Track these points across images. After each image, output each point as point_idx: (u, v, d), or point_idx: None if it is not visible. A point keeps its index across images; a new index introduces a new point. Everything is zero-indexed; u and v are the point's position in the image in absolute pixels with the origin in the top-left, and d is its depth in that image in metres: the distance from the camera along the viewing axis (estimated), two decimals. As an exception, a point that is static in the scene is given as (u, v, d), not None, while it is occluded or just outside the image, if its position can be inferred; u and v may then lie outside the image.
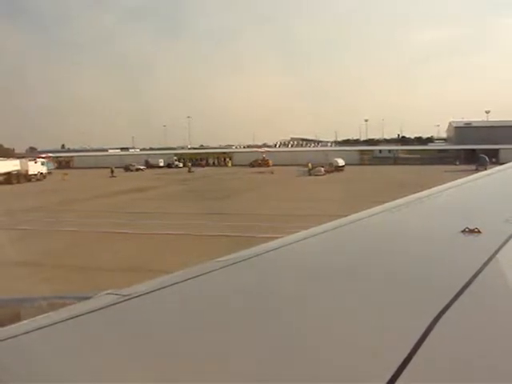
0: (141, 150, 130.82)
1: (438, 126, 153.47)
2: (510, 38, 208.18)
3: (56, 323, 1.70)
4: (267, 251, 2.66)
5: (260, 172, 71.92)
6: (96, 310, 1.82)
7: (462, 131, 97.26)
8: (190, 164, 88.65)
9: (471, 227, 2.76)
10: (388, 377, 1.24)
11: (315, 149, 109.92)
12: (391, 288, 2.04)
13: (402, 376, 1.25)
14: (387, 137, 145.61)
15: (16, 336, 1.61)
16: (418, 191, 4.51)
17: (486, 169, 49.24)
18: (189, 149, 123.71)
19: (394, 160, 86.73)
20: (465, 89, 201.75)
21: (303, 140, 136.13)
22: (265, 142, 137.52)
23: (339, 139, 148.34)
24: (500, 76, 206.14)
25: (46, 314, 1.93)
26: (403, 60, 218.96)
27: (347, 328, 1.64)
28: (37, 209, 38.05)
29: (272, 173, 69.03)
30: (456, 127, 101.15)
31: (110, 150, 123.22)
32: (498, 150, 74.15)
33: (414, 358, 1.33)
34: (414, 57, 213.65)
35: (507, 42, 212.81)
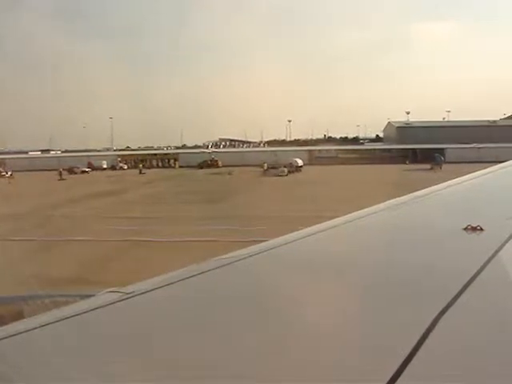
0: (62, 152, 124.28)
1: (358, 126, 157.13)
2: (427, 40, 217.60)
3: (59, 321, 1.72)
4: (267, 250, 2.68)
5: (217, 173, 69.41)
6: (99, 308, 1.85)
7: (404, 131, 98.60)
8: (141, 166, 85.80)
9: (473, 225, 2.78)
10: (389, 376, 1.26)
11: (262, 149, 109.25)
12: (394, 285, 2.07)
13: (403, 374, 1.27)
14: (313, 137, 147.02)
15: (20, 333, 1.63)
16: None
17: (440, 167, 51.06)
18: (114, 150, 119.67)
19: (340, 160, 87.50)
20: (384, 90, 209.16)
21: (232, 141, 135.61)
22: (195, 143, 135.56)
23: (265, 140, 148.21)
24: (420, 78, 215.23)
25: (49, 312, 1.94)
26: (328, 61, 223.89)
27: (348, 327, 1.67)
28: (29, 214, 34.99)
29: (230, 174, 66.95)
30: (398, 127, 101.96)
31: (30, 153, 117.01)
32: (443, 149, 75.91)
33: (416, 357, 1.35)
34: (337, 58, 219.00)
35: (424, 44, 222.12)
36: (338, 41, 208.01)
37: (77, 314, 1.79)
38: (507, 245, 2.52)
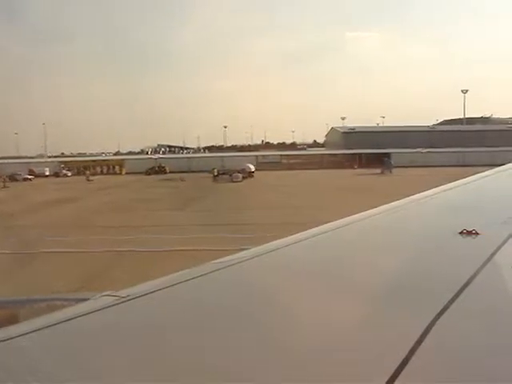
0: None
1: (294, 131, 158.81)
2: (359, 48, 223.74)
3: (53, 325, 1.71)
4: (265, 253, 2.69)
5: (168, 180, 67.59)
6: (93, 312, 1.84)
7: (349, 136, 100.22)
8: (88, 172, 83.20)
9: (469, 229, 2.80)
10: (386, 377, 1.27)
11: (208, 155, 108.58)
12: (389, 290, 2.08)
13: (400, 376, 1.28)
14: (251, 143, 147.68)
15: (13, 338, 1.60)
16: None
17: (391, 171, 53.01)
18: (49, 157, 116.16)
19: (287, 165, 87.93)
20: (318, 97, 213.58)
21: (170, 147, 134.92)
22: (130, 150, 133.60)
23: (203, 145, 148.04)
24: (353, 85, 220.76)
25: (43, 316, 1.93)
26: (262, 68, 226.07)
27: (345, 329, 1.68)
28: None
29: (183, 180, 65.70)
30: (344, 132, 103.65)
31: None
32: (389, 154, 77.46)
33: (413, 359, 1.37)
34: (271, 65, 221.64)
35: (357, 52, 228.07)
36: (270, 47, 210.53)
37: (72, 318, 1.77)
38: (502, 249, 2.54)
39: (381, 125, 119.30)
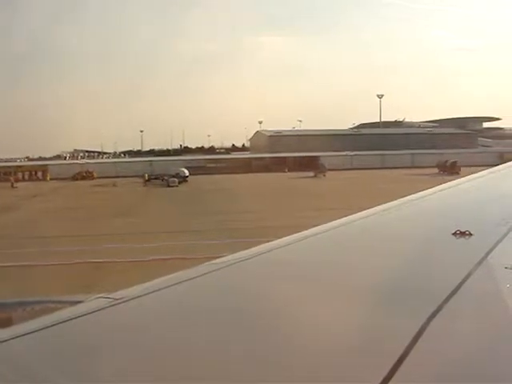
0: None
1: (210, 136, 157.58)
2: (273, 53, 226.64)
3: (47, 327, 1.71)
4: (260, 254, 2.70)
5: (100, 185, 64.21)
6: (87, 314, 1.84)
7: (275, 140, 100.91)
8: (12, 178, 78.67)
9: (463, 230, 2.85)
10: (381, 377, 1.29)
11: (134, 159, 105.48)
12: (383, 290, 2.12)
13: (395, 376, 1.30)
14: (170, 147, 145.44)
15: (7, 340, 1.60)
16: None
17: (324, 175, 53.95)
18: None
19: (216, 169, 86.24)
20: (233, 101, 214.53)
21: (88, 151, 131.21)
22: (40, 155, 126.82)
23: (120, 150, 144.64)
24: (269, 88, 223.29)
25: (37, 318, 1.95)
26: (178, 73, 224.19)
27: (341, 329, 1.71)
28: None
29: (115, 185, 63.31)
30: (270, 136, 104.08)
31: None
32: (318, 157, 78.51)
33: (407, 359, 1.39)
34: (184, 71, 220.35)
35: (271, 56, 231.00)
36: (182, 52, 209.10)
37: (66, 320, 1.78)
38: (495, 250, 2.59)
39: (297, 128, 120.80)
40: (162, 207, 40.72)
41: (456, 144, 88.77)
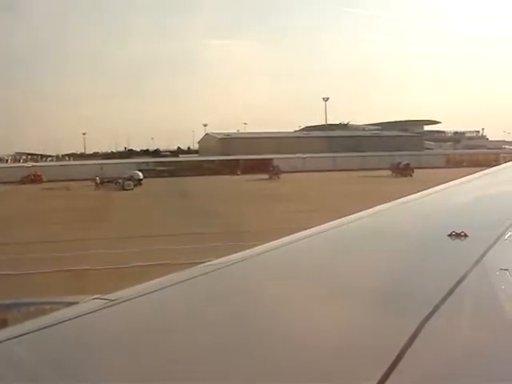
0: None
1: (153, 139, 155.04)
2: (219, 56, 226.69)
3: (43, 328, 1.70)
4: (249, 257, 2.70)
5: (51, 189, 61.80)
6: (84, 315, 1.84)
7: (225, 142, 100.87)
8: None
9: (458, 231, 2.86)
10: (377, 378, 1.29)
11: (83, 162, 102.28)
12: (379, 291, 2.13)
13: (391, 377, 1.30)
14: (114, 150, 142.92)
15: (2, 342, 1.59)
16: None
17: (279, 177, 54.39)
18: None
19: (167, 172, 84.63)
20: (177, 104, 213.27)
21: (29, 154, 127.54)
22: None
23: (64, 153, 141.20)
24: (212, 91, 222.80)
25: (33, 319, 1.96)
26: (121, 74, 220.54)
27: (337, 330, 1.72)
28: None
29: (69, 189, 61.27)
30: (221, 138, 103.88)
31: None
32: (271, 159, 78.27)
33: (403, 360, 1.39)
34: (132, 72, 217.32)
35: (216, 60, 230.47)
36: (127, 54, 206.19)
37: (62, 322, 1.78)
38: (490, 251, 2.61)
39: (242, 131, 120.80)
40: (136, 211, 39.33)
41: (403, 146, 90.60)
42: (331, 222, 3.50)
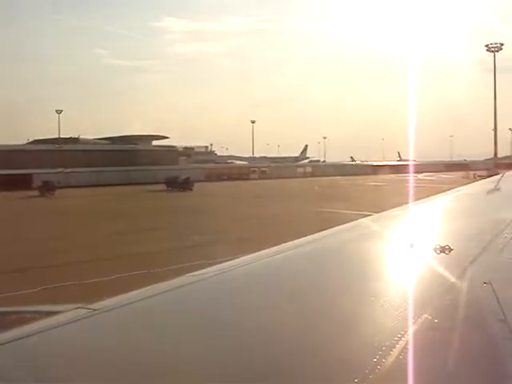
0: None
1: None
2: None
3: (24, 337, 1.70)
4: (240, 266, 2.78)
5: None
6: (66, 324, 1.84)
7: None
8: None
9: (442, 245, 2.87)
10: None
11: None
12: (364, 304, 2.17)
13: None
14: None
15: None
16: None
17: (53, 193, 46.82)
18: None
19: None
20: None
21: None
22: None
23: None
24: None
25: (14, 329, 1.95)
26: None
27: (321, 342, 1.75)
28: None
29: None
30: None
31: None
32: (31, 174, 71.55)
33: (388, 373, 1.44)
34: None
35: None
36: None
37: (44, 330, 1.77)
38: (474, 264, 2.70)
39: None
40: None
41: (158, 161, 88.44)
42: (324, 231, 3.58)
